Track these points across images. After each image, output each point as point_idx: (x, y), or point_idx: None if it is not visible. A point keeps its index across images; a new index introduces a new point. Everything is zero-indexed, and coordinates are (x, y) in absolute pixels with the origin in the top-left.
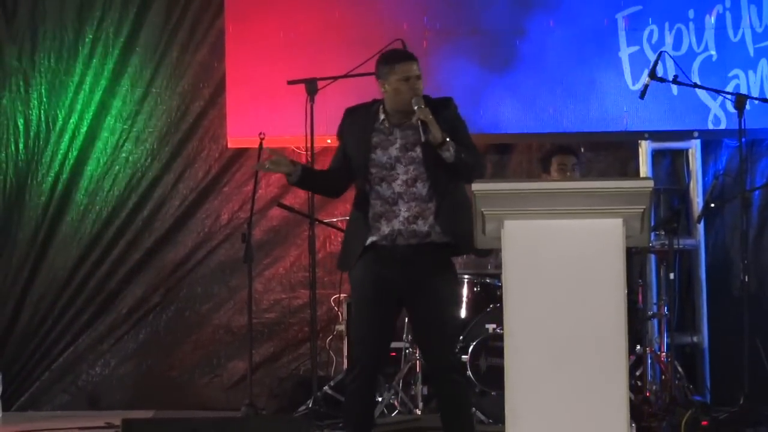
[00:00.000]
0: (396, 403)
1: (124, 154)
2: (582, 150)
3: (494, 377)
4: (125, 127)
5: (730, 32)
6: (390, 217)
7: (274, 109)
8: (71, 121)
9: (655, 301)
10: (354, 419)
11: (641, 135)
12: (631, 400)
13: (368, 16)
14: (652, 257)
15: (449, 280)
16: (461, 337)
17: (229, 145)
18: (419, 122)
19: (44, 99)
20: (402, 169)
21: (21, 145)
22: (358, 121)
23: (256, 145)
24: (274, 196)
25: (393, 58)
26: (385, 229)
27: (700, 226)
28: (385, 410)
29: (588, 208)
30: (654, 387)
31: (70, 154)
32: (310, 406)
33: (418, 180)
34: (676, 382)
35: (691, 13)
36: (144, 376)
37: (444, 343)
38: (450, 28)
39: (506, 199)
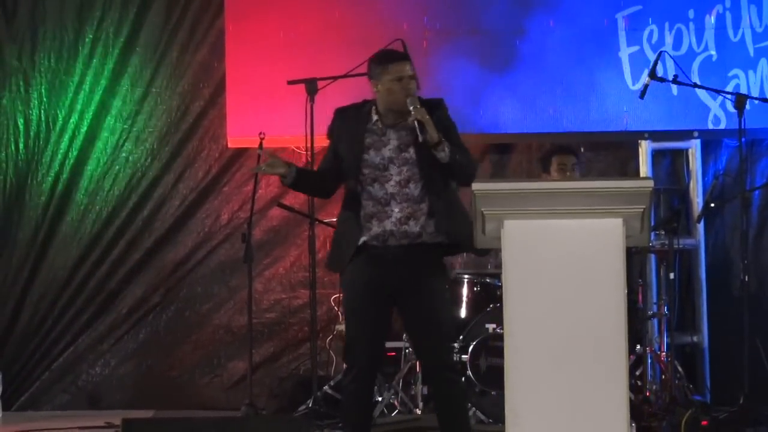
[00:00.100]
0: (396, 402)
1: (124, 154)
2: (582, 150)
3: (494, 377)
4: (125, 126)
5: (730, 32)
6: (382, 217)
7: (274, 109)
8: (71, 120)
9: (655, 300)
10: (353, 420)
11: (641, 135)
12: (631, 400)
13: (368, 16)
14: (652, 257)
15: (442, 280)
16: (461, 337)
17: (229, 145)
18: (416, 122)
19: (44, 99)
20: (395, 169)
21: (21, 145)
22: (350, 122)
23: (257, 145)
24: (274, 196)
25: (386, 58)
26: (377, 229)
27: (700, 226)
28: (385, 410)
29: (588, 208)
30: (654, 387)
31: (70, 153)
32: (310, 406)
33: (411, 181)
34: (676, 381)
35: (691, 13)
36: (144, 376)
37: (438, 343)
38: (450, 28)
39: (506, 199)
